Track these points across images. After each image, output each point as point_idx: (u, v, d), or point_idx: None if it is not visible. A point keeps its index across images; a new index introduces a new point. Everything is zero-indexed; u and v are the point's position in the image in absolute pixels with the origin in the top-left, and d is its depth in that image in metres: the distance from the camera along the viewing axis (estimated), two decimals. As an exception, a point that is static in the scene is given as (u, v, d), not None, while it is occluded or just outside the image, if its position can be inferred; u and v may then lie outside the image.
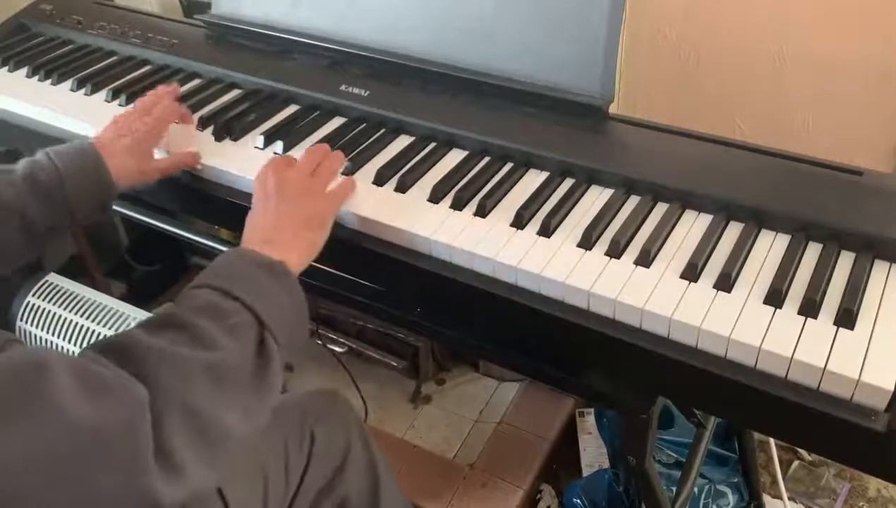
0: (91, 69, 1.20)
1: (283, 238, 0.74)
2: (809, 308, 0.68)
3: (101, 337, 1.15)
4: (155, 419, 0.52)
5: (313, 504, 0.88)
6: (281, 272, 0.68)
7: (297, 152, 0.96)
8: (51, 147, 0.84)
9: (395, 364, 1.61)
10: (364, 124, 1.01)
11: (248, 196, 0.84)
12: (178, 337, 0.58)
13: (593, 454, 1.46)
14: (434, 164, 0.93)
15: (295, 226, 0.76)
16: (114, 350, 0.55)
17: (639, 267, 0.75)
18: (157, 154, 0.95)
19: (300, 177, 0.82)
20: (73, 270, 1.57)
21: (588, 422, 1.51)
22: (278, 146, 0.98)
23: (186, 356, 0.57)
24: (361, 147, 0.97)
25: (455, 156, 0.95)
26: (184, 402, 0.54)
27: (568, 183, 0.88)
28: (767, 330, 0.67)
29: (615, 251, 0.77)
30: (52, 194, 0.80)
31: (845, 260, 0.74)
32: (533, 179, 0.89)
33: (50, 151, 0.83)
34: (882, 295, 0.70)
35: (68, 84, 1.16)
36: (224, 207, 0.95)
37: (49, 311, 1.39)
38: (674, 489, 1.12)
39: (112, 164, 0.85)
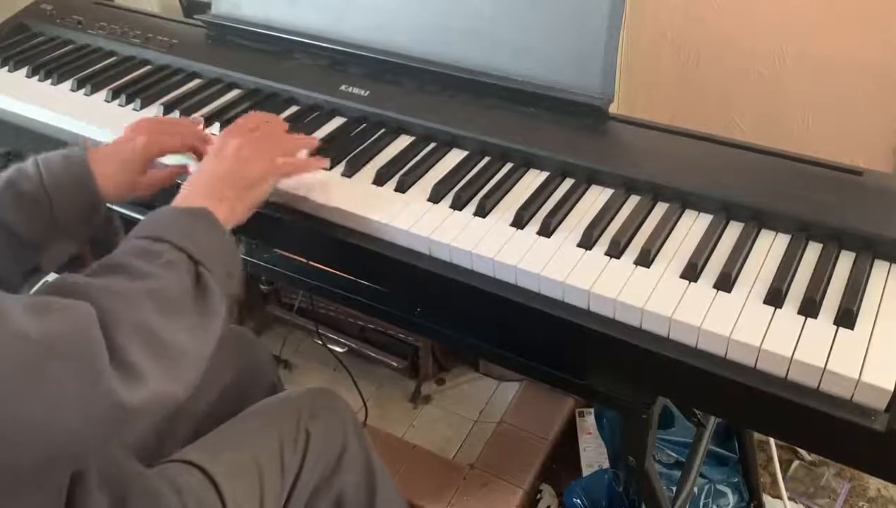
0: (91, 69, 1.20)
1: (213, 193, 0.76)
2: (809, 308, 0.68)
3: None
4: (106, 333, 0.55)
5: (309, 500, 0.88)
6: (205, 216, 0.72)
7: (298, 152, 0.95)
8: (42, 154, 0.81)
9: (395, 364, 1.61)
10: (364, 124, 1.01)
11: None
12: (116, 275, 0.62)
13: (593, 454, 1.46)
14: (434, 164, 0.93)
15: (230, 184, 0.78)
16: (56, 290, 0.58)
17: (639, 267, 0.75)
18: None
19: (246, 139, 0.83)
20: (73, 270, 1.57)
21: (588, 422, 1.51)
22: (278, 146, 0.97)
23: (127, 286, 0.61)
24: (361, 147, 0.96)
25: (455, 156, 0.95)
26: (133, 319, 0.58)
27: (568, 183, 0.88)
28: (767, 330, 0.67)
29: (615, 251, 0.77)
30: (37, 204, 0.78)
31: (845, 260, 0.74)
32: (533, 179, 0.89)
33: (39, 159, 0.80)
34: (882, 295, 0.70)
35: (68, 84, 1.16)
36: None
37: (49, 311, 1.38)
38: (674, 489, 1.12)
39: (101, 175, 0.81)
